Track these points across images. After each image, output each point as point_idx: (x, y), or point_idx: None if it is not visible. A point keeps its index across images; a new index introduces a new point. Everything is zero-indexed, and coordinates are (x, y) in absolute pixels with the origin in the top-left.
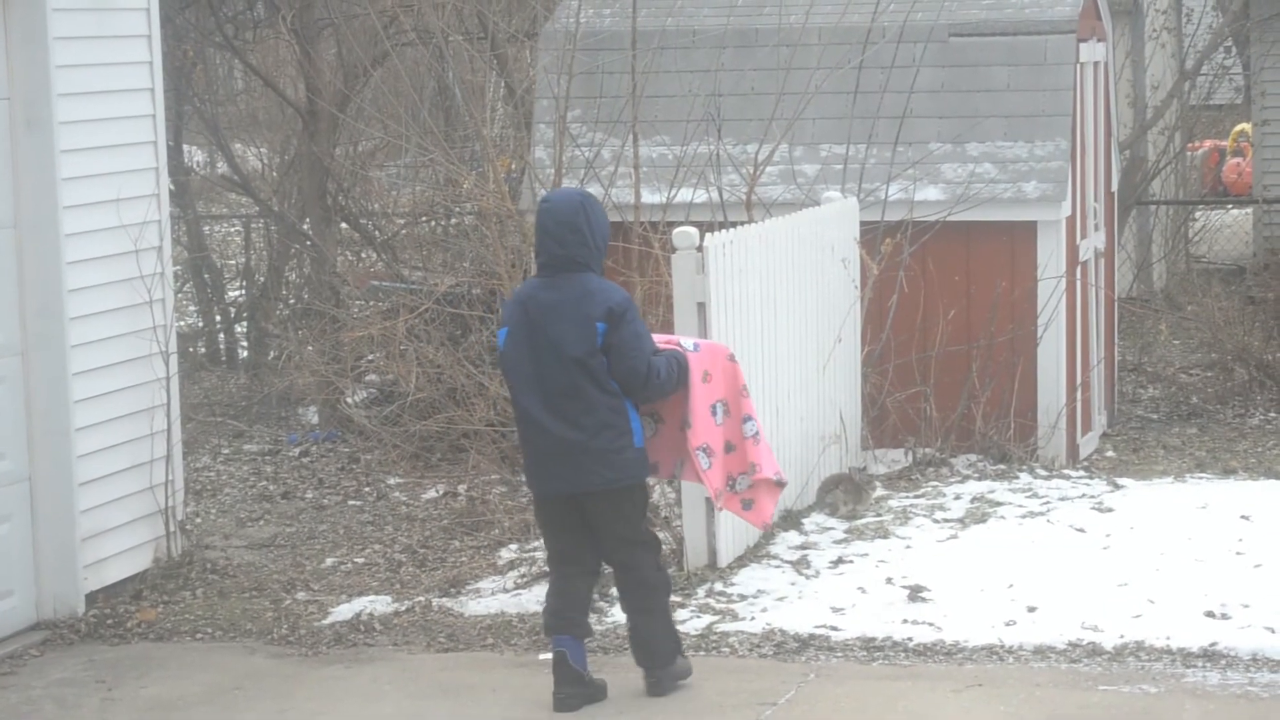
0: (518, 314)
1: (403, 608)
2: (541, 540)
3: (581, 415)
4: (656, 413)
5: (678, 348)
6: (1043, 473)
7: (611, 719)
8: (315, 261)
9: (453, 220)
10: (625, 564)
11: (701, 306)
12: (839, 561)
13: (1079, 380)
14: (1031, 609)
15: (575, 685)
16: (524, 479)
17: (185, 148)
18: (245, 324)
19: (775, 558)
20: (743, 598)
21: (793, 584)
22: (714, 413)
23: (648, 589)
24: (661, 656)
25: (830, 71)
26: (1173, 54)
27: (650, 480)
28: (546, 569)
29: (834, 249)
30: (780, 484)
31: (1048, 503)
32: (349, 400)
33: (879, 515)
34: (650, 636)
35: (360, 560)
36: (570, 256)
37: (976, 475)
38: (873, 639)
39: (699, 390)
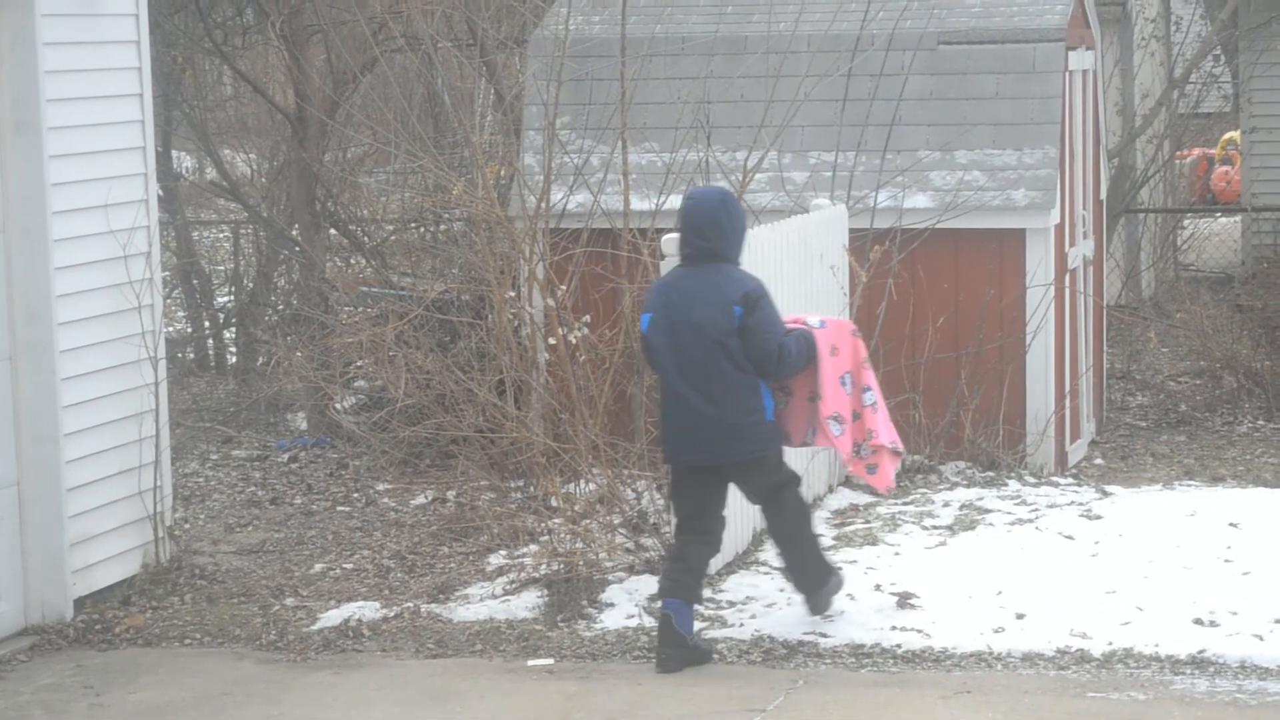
0: (660, 300)
1: (391, 614)
2: (532, 547)
3: (718, 391)
4: (787, 386)
5: (804, 326)
6: (1031, 480)
7: None
8: (304, 267)
9: (442, 226)
10: (771, 504)
11: None
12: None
13: (1067, 388)
14: (1020, 616)
15: (677, 647)
16: (662, 451)
17: (174, 153)
18: (234, 330)
19: (764, 564)
20: (732, 604)
21: (781, 590)
22: (843, 383)
23: (792, 524)
24: (815, 580)
25: (819, 79)
26: (1161, 62)
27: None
28: (536, 576)
29: (822, 256)
30: (897, 453)
31: (1036, 510)
32: (338, 406)
33: (868, 522)
34: (802, 564)
35: (349, 566)
36: (711, 249)
37: (965, 482)
38: (861, 646)
39: (828, 364)
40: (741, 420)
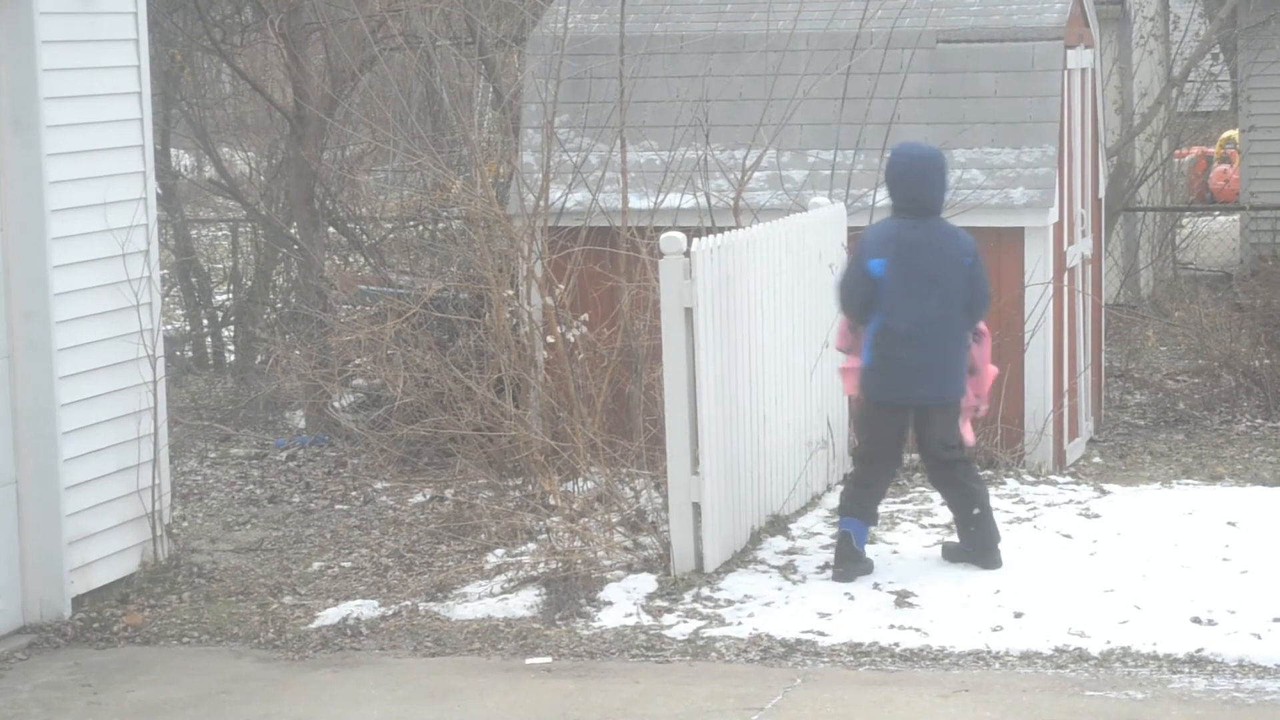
0: (891, 249)
1: (389, 612)
2: (530, 545)
3: (942, 336)
4: None
5: None
6: (1029, 479)
7: None
8: (302, 266)
9: (440, 225)
10: (948, 465)
11: (689, 312)
12: (826, 567)
13: (1066, 386)
14: (1018, 615)
15: (854, 562)
16: (871, 389)
17: (173, 151)
18: (232, 328)
19: (762, 563)
20: (730, 603)
21: (779, 589)
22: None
23: (970, 494)
24: (986, 540)
25: (818, 77)
26: (1160, 61)
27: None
28: (534, 574)
29: (821, 255)
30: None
31: (1034, 509)
32: (336, 404)
33: None
34: (981, 531)
35: (347, 564)
36: (929, 204)
37: None
38: (859, 644)
39: None
40: (957, 364)
